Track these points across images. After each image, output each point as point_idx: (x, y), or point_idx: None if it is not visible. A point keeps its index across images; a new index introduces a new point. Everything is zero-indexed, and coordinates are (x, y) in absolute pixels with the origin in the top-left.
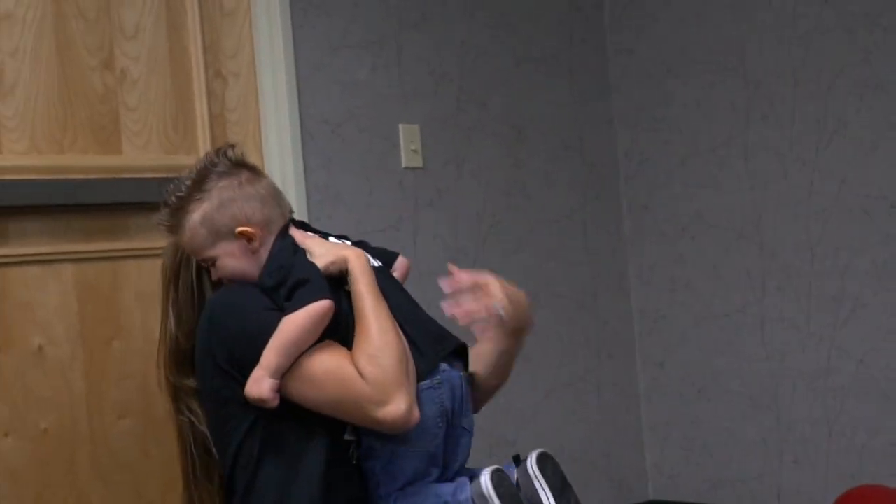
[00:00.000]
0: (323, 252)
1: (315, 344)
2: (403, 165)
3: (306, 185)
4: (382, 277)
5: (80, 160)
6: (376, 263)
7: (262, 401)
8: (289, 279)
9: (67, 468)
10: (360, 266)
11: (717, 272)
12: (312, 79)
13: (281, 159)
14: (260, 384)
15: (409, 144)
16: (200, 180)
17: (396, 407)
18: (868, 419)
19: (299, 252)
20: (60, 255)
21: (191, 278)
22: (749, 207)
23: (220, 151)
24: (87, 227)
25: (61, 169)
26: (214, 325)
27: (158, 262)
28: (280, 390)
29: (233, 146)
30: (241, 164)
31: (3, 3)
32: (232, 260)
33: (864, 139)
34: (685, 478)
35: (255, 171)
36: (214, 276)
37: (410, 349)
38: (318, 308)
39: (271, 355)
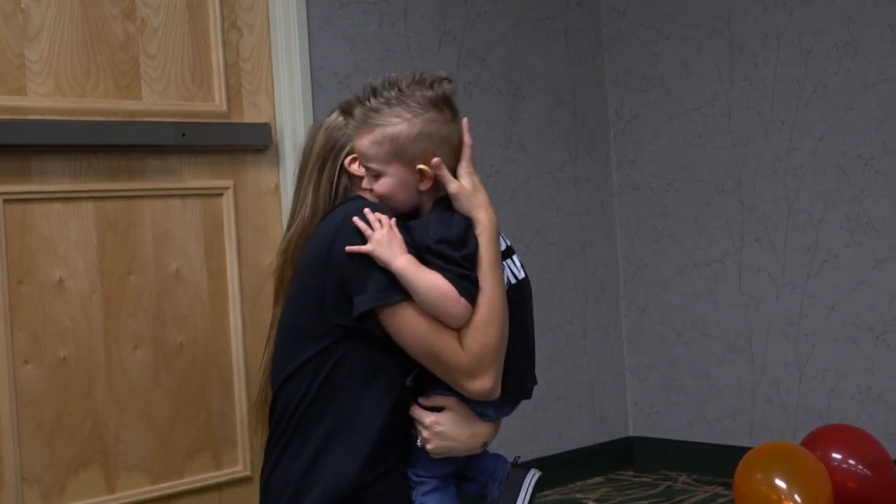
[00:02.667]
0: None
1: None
2: None
3: None
4: (521, 290)
5: (102, 103)
6: (521, 274)
7: (377, 252)
8: (465, 265)
9: (85, 394)
10: (489, 234)
11: (699, 224)
12: (322, 32)
13: (291, 108)
14: (393, 251)
15: None
16: (407, 97)
17: (483, 383)
18: (837, 363)
19: (471, 231)
20: (81, 193)
21: (336, 171)
22: (731, 163)
23: (436, 80)
24: (107, 167)
25: (83, 111)
26: (339, 244)
27: (172, 203)
28: (385, 323)
29: (450, 81)
30: (448, 102)
31: None
32: (396, 184)
33: (840, 100)
34: (663, 416)
35: (457, 115)
36: (367, 185)
37: (518, 363)
38: (464, 311)
39: (412, 273)
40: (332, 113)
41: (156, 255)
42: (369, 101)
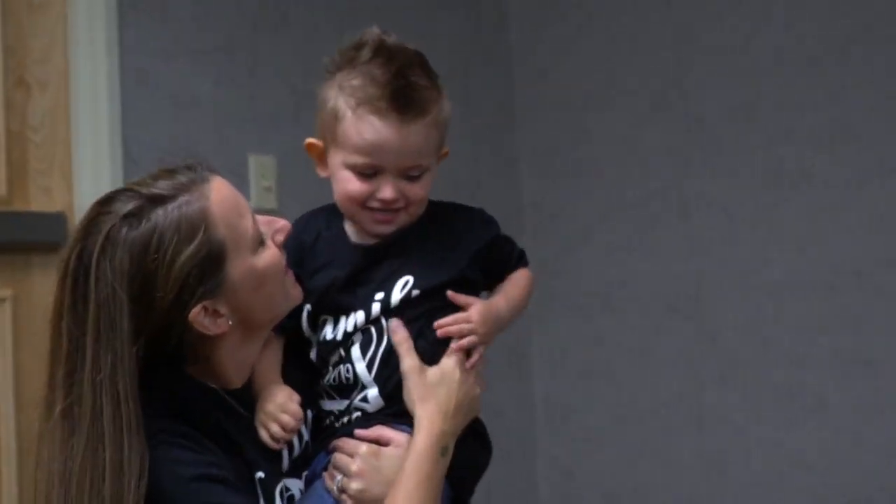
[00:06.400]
0: None
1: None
2: (252, 206)
3: None
4: None
5: None
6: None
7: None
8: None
9: None
10: (426, 443)
11: (644, 357)
12: (140, 93)
13: (95, 192)
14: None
15: (260, 180)
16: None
17: None
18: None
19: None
20: None
21: (174, 330)
22: (686, 277)
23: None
24: None
25: None
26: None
27: None
28: None
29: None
30: None
31: None
32: (431, 180)
33: (830, 195)
34: None
35: None
36: (390, 194)
37: None
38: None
39: (506, 308)
40: (125, 201)
41: None
42: (418, 76)
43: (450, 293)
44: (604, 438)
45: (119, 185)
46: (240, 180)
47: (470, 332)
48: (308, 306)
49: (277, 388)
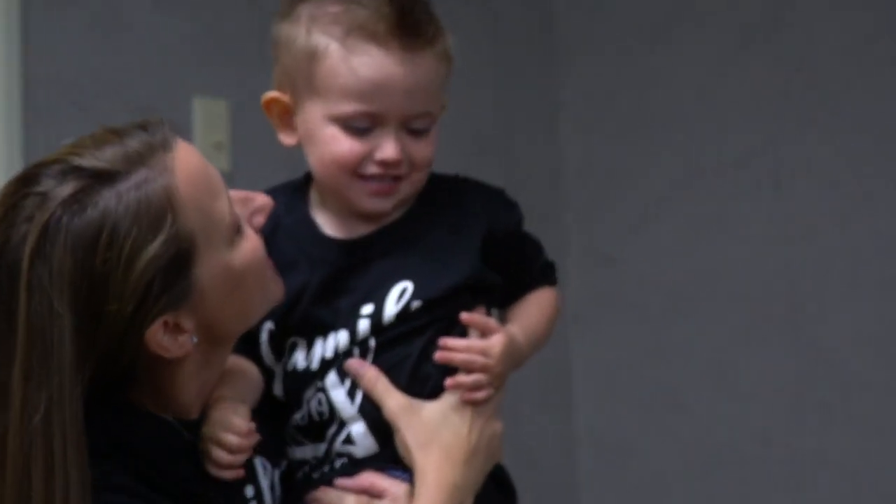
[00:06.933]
0: None
1: None
2: None
3: None
4: None
5: None
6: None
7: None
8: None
9: None
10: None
11: (725, 378)
12: (49, 17)
13: None
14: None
15: (208, 133)
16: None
17: None
18: None
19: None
20: None
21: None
22: (781, 271)
23: None
24: None
25: None
26: None
27: None
28: None
29: None
30: None
31: None
32: (436, 137)
33: None
34: None
35: None
36: (412, 153)
37: None
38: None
39: (528, 341)
40: (59, 178)
41: None
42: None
43: (464, 317)
44: (670, 488)
45: (17, 144)
46: (181, 133)
47: (483, 369)
48: (269, 324)
49: (217, 404)
